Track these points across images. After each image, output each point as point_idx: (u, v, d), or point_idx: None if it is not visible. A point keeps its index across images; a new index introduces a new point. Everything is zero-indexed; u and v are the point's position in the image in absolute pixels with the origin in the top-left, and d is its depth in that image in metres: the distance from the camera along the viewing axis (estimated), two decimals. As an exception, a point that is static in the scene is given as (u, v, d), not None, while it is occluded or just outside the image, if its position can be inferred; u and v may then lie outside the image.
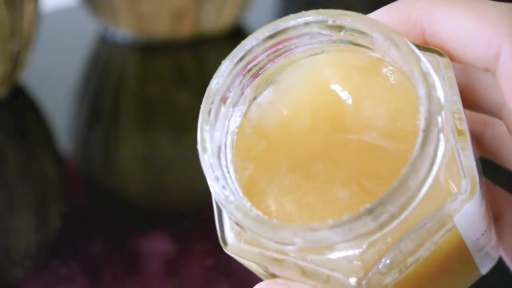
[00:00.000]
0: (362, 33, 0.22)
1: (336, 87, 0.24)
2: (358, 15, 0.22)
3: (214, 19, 0.63)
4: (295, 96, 0.25)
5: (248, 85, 0.24)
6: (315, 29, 0.23)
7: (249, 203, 0.22)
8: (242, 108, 0.24)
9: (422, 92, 0.21)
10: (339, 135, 0.24)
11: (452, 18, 0.23)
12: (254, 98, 0.25)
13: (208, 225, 0.44)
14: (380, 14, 0.24)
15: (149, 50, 0.63)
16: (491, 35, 0.22)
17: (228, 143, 0.24)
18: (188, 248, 0.42)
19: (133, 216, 0.46)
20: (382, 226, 0.20)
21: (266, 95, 0.25)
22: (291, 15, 0.23)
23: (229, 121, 0.24)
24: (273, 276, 0.23)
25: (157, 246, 0.42)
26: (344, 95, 0.24)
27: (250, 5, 0.66)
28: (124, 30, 0.63)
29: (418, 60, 0.21)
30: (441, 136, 0.21)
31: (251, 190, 0.23)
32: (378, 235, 0.21)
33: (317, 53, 0.24)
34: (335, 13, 0.22)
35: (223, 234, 0.23)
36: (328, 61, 0.24)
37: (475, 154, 0.23)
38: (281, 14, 0.71)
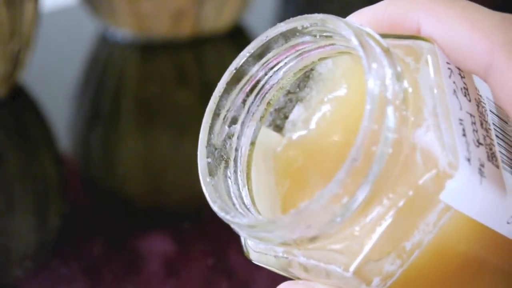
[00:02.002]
0: (332, 33, 0.22)
1: (361, 98, 0.24)
2: (319, 17, 0.22)
3: (214, 19, 0.63)
4: (328, 113, 0.25)
5: (256, 103, 0.25)
6: (299, 40, 0.23)
7: (247, 209, 0.23)
8: (252, 124, 0.25)
9: (366, 72, 0.21)
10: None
11: (448, 22, 0.23)
12: (285, 117, 0.26)
13: (208, 225, 0.44)
14: (377, 10, 0.24)
15: (149, 50, 0.63)
16: (484, 44, 0.22)
17: (239, 157, 0.25)
18: (188, 248, 0.42)
19: (133, 216, 0.46)
20: (347, 208, 0.20)
21: (297, 114, 0.26)
22: (269, 29, 0.23)
23: (238, 138, 0.25)
24: (294, 277, 0.23)
25: (157, 246, 0.42)
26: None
27: (250, 5, 0.66)
28: (124, 30, 0.63)
29: (358, 38, 0.21)
30: (393, 114, 0.21)
31: (285, 206, 0.24)
32: (351, 219, 0.21)
33: (323, 58, 0.24)
34: (301, 19, 0.23)
35: (245, 245, 0.24)
36: (348, 71, 0.25)
37: (486, 134, 0.23)
38: (281, 14, 0.71)
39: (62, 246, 0.43)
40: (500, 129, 0.24)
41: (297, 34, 0.23)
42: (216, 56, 0.63)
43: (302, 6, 0.71)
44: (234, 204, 0.23)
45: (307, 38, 0.23)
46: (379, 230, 0.21)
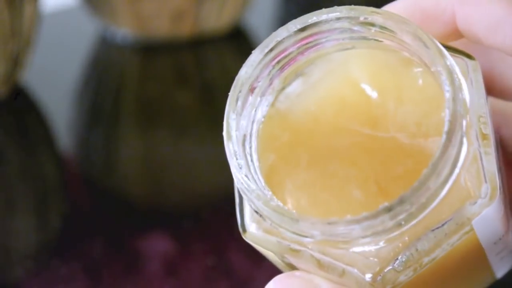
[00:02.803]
0: (392, 32, 0.22)
1: (364, 86, 0.24)
2: (390, 13, 0.22)
3: (214, 19, 0.63)
4: (323, 91, 0.25)
5: (277, 76, 0.24)
6: (346, 24, 0.23)
7: (270, 193, 0.22)
8: (269, 98, 0.24)
9: (448, 94, 0.21)
10: (362, 135, 0.24)
11: (484, 3, 0.23)
12: (283, 88, 0.25)
13: (208, 225, 0.44)
14: (407, 2, 0.24)
15: (149, 50, 0.63)
16: None
17: (254, 132, 0.24)
18: (188, 248, 0.42)
19: (133, 216, 0.46)
20: (399, 225, 0.20)
21: (295, 87, 0.25)
22: (324, 9, 0.23)
23: (256, 111, 0.24)
24: (290, 265, 0.23)
25: (157, 246, 0.42)
26: (372, 94, 0.24)
27: (250, 5, 0.66)
28: (124, 30, 0.63)
29: (446, 61, 0.21)
30: (464, 139, 0.21)
31: (270, 180, 0.24)
32: (395, 233, 0.21)
33: (347, 48, 0.24)
34: (367, 10, 0.22)
35: (243, 222, 0.23)
36: (358, 58, 0.24)
37: (498, 159, 0.23)
38: (281, 15, 0.72)
39: (62, 246, 0.43)
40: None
41: (353, 22, 0.23)
42: (216, 56, 0.63)
43: (303, 6, 0.71)
44: (258, 185, 0.22)
45: (359, 28, 0.23)
46: (410, 243, 0.22)
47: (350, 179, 0.23)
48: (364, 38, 0.23)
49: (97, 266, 0.41)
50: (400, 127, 0.23)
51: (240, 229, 0.24)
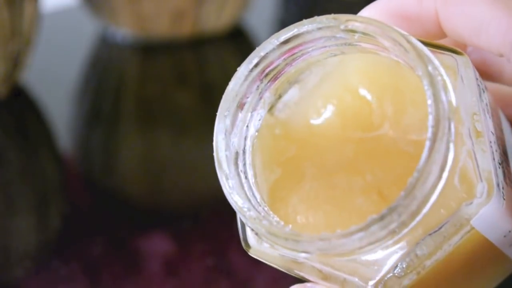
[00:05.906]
0: (373, 37, 0.22)
1: (363, 90, 0.24)
2: (369, 19, 0.22)
3: (214, 19, 0.63)
4: (324, 98, 0.24)
5: (266, 89, 0.24)
6: (328, 33, 0.23)
7: (266, 208, 0.22)
8: (261, 112, 0.24)
9: (429, 100, 0.20)
10: (364, 141, 0.24)
11: (467, 3, 0.22)
12: (279, 97, 0.25)
13: (208, 225, 0.44)
14: (390, 1, 0.24)
15: (149, 50, 0.63)
16: (507, 21, 0.21)
17: (248, 147, 0.23)
18: (188, 248, 0.42)
19: (133, 216, 0.46)
20: (393, 233, 0.20)
21: (292, 95, 0.25)
22: (304, 21, 0.23)
23: (247, 126, 0.24)
24: (298, 275, 0.23)
25: (157, 246, 0.42)
26: (373, 100, 0.24)
27: (250, 5, 0.66)
28: (124, 30, 0.63)
29: (427, 66, 0.21)
30: (451, 142, 0.20)
31: (274, 195, 0.24)
32: (390, 241, 0.21)
33: (336, 55, 0.24)
34: (346, 18, 0.22)
35: (245, 237, 0.23)
36: (353, 62, 0.24)
37: (499, 151, 0.23)
38: (281, 15, 0.72)
39: (62, 246, 0.43)
40: (502, 141, 0.24)
41: (335, 31, 0.23)
42: (216, 56, 0.63)
43: (303, 6, 0.71)
44: (252, 203, 0.22)
45: (342, 35, 0.23)
46: (409, 249, 0.21)
47: (353, 188, 0.23)
48: (350, 44, 0.23)
49: (97, 266, 0.41)
50: (401, 131, 0.23)
51: (243, 245, 0.23)
